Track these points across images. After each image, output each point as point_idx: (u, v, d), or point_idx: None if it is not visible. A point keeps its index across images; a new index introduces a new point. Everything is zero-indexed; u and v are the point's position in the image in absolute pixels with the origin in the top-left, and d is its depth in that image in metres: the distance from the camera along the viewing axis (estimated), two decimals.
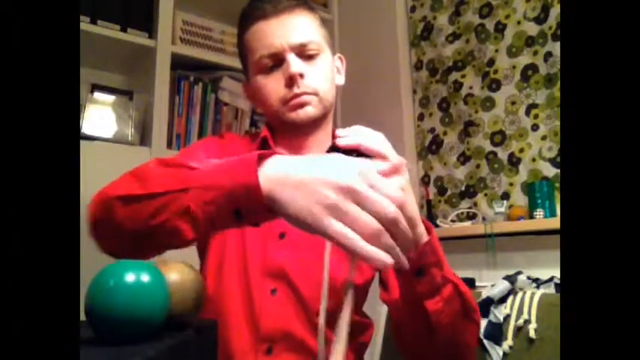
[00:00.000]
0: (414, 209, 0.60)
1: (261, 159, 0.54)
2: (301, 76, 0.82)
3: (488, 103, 1.69)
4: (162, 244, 0.59)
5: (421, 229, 0.63)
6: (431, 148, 1.86)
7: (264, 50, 0.84)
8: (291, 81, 0.82)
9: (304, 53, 0.84)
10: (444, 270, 0.67)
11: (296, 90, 0.82)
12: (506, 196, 1.62)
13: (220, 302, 0.81)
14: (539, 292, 1.10)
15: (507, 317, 1.09)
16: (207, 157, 0.82)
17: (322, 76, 0.86)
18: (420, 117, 1.90)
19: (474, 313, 0.72)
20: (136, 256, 0.64)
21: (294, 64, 0.82)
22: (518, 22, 1.63)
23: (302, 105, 0.83)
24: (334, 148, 0.59)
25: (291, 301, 0.79)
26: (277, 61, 0.84)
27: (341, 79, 0.96)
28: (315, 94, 0.84)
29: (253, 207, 0.52)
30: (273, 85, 0.85)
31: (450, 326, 0.68)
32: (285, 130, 0.88)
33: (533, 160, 1.56)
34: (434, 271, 0.65)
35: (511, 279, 1.18)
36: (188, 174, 0.56)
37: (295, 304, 0.79)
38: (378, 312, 1.59)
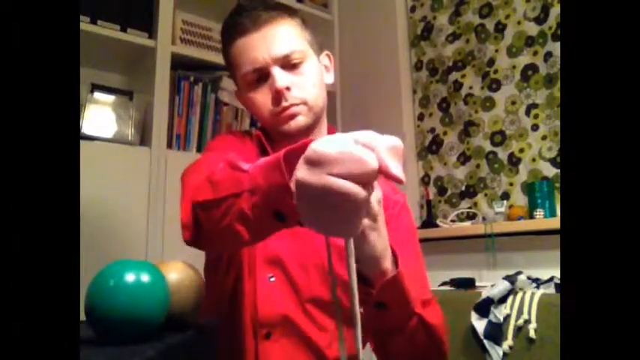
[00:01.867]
0: (382, 242, 0.61)
1: (292, 155, 0.50)
2: (287, 89, 0.83)
3: (488, 103, 1.69)
4: (232, 244, 0.62)
5: (387, 264, 0.63)
6: (431, 148, 1.86)
7: (248, 66, 0.84)
8: (277, 95, 0.83)
9: (288, 63, 0.84)
10: (411, 304, 0.67)
11: (284, 103, 0.83)
12: (506, 196, 1.62)
13: (225, 288, 0.84)
14: (539, 292, 1.10)
15: (507, 317, 1.09)
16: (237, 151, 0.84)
17: (309, 84, 0.85)
18: (420, 117, 1.90)
19: (440, 344, 0.73)
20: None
21: (280, 78, 0.82)
22: (518, 22, 1.63)
23: (292, 116, 0.84)
24: None
25: (287, 288, 0.82)
26: (263, 75, 0.84)
27: (330, 78, 0.95)
28: (304, 103, 0.84)
29: (288, 207, 0.49)
30: (261, 100, 0.85)
31: (409, 356, 0.69)
32: (279, 139, 0.89)
33: (533, 160, 1.56)
34: (395, 308, 0.65)
35: (511, 279, 1.18)
36: (241, 177, 0.56)
37: (291, 291, 0.82)
38: None
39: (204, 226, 0.61)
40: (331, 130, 0.94)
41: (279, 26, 0.85)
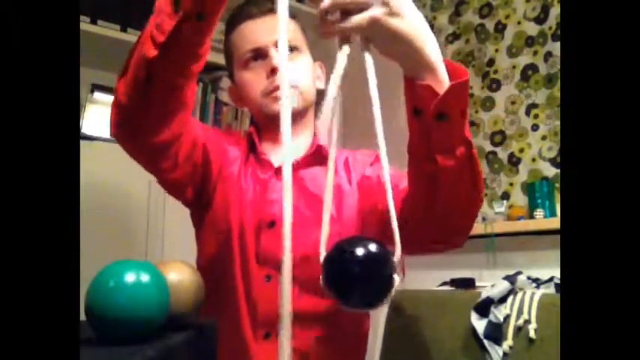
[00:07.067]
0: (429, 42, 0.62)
1: None
2: None
3: (488, 103, 1.69)
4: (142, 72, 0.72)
5: (441, 71, 0.63)
6: None
7: (248, 46, 0.89)
8: (273, 72, 0.86)
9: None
10: (464, 128, 0.64)
11: (277, 82, 0.85)
12: (506, 196, 1.62)
13: (219, 289, 0.82)
14: (539, 292, 1.10)
15: (507, 317, 1.09)
16: (216, 139, 0.89)
17: (303, 72, 0.90)
18: None
19: (480, 183, 0.69)
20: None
21: (277, 56, 0.84)
22: (518, 22, 1.63)
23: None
24: None
25: None
26: (259, 55, 0.88)
27: (321, 84, 0.98)
28: (295, 87, 0.87)
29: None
30: (255, 78, 0.89)
31: (454, 187, 0.66)
32: (268, 125, 0.91)
33: (533, 160, 1.56)
34: (456, 119, 0.62)
35: (511, 279, 1.18)
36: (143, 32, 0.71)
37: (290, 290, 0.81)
38: (378, 311, 1.59)
39: (122, 95, 0.73)
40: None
41: None
